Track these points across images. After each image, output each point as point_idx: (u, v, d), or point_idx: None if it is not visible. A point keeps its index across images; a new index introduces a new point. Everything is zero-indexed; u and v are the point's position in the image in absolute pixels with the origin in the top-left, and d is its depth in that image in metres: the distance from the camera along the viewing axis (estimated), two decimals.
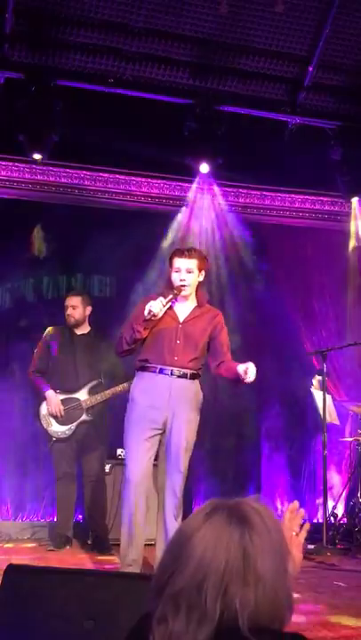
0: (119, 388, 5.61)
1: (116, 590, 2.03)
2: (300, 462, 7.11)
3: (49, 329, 5.89)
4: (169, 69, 6.09)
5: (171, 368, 4.32)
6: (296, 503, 1.80)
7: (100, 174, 6.68)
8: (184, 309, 4.45)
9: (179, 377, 4.32)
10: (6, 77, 5.83)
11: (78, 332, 5.85)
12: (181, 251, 4.44)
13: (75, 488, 5.76)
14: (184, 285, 4.35)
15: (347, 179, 6.65)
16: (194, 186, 6.77)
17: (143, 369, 4.40)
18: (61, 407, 5.61)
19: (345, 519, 6.33)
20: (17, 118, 5.85)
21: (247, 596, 1.27)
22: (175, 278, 4.38)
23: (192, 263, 4.36)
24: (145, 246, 6.65)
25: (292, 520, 1.79)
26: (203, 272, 4.44)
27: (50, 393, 5.64)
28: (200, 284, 4.50)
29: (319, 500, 6.79)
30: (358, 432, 6.36)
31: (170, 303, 4.33)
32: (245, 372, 4.15)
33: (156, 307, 4.20)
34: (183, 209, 6.91)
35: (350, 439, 6.66)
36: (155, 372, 4.34)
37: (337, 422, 6.60)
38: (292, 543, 1.75)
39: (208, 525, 1.32)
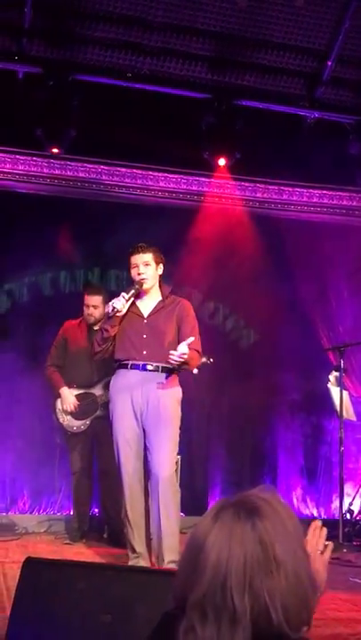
0: None
1: (133, 584, 2.04)
2: (317, 459, 7.08)
3: (65, 323, 5.91)
4: (187, 64, 6.07)
5: (141, 363, 4.43)
6: (318, 522, 1.77)
7: (118, 169, 6.68)
8: (148, 304, 4.59)
9: (151, 371, 4.42)
10: (25, 72, 5.84)
11: (95, 326, 5.85)
12: (136, 248, 4.55)
13: (90, 482, 5.78)
14: (143, 279, 4.49)
15: None
16: (211, 180, 6.75)
17: (118, 367, 4.55)
18: (75, 404, 5.63)
19: None
20: (35, 113, 5.86)
21: (273, 586, 1.26)
22: (134, 273, 4.54)
23: (147, 257, 4.52)
24: (161, 241, 6.63)
25: (315, 538, 1.76)
26: (160, 265, 4.60)
27: (64, 390, 5.66)
28: (161, 278, 4.64)
29: (335, 497, 6.77)
30: None
31: (132, 298, 4.47)
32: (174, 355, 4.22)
33: (119, 303, 4.38)
34: (200, 204, 6.90)
35: None
36: (127, 368, 4.47)
37: (354, 419, 6.56)
38: (317, 561, 1.73)
39: (218, 526, 1.31)
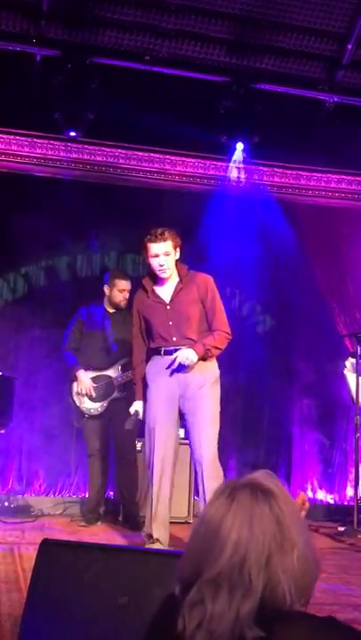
0: None
1: (150, 567, 2.05)
2: (332, 445, 7.08)
3: (81, 307, 5.93)
4: (205, 47, 6.03)
5: (172, 348, 4.39)
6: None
7: (135, 153, 6.66)
8: (168, 289, 4.51)
9: None
10: (43, 55, 5.82)
11: (111, 309, 5.87)
12: (154, 235, 4.42)
13: (106, 465, 5.81)
14: (164, 269, 4.42)
15: None
16: (230, 165, 6.71)
17: (152, 352, 4.53)
18: (92, 386, 5.66)
19: None
20: (53, 96, 5.85)
21: (287, 564, 1.31)
22: (154, 264, 4.43)
23: (167, 246, 4.40)
24: (179, 225, 6.61)
25: None
26: (178, 249, 4.49)
27: (81, 373, 5.69)
28: (177, 260, 4.54)
29: (350, 483, 6.77)
30: None
31: (160, 287, 4.49)
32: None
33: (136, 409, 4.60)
34: (218, 188, 6.87)
35: None
36: (160, 353, 4.44)
37: None
38: None
39: (236, 505, 1.34)
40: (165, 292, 4.50)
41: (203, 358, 4.37)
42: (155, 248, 4.40)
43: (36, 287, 6.68)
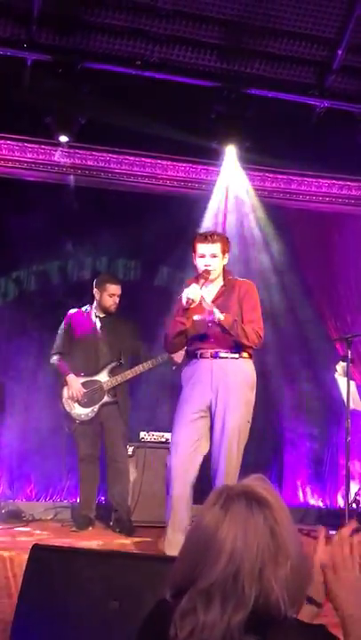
0: (139, 368, 5.69)
1: (141, 572, 2.05)
2: (323, 448, 7.09)
3: (71, 311, 5.93)
4: (196, 52, 6.03)
5: (210, 351, 4.35)
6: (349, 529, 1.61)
7: (126, 157, 6.65)
8: (212, 291, 4.47)
9: (221, 358, 4.34)
10: (34, 59, 5.81)
11: (101, 314, 5.88)
12: (204, 236, 4.43)
13: (98, 469, 5.80)
14: (209, 270, 4.36)
15: None
16: (220, 169, 6.72)
17: (188, 356, 4.50)
18: (82, 391, 5.66)
19: None
20: (44, 100, 5.84)
21: (281, 574, 1.31)
22: (200, 264, 4.41)
23: (216, 247, 4.38)
24: (170, 230, 6.65)
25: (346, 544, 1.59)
26: (226, 254, 4.47)
27: (71, 377, 5.69)
28: (225, 265, 4.51)
29: (341, 487, 6.78)
30: None
31: (204, 287, 4.35)
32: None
33: (193, 293, 4.23)
34: (209, 193, 6.87)
35: None
36: (196, 357, 4.40)
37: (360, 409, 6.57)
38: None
39: (230, 516, 1.34)
40: (208, 294, 4.45)
41: (238, 354, 4.34)
42: (202, 248, 4.39)
43: (27, 291, 6.68)
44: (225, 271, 4.54)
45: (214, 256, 4.39)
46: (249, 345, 4.37)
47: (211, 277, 4.40)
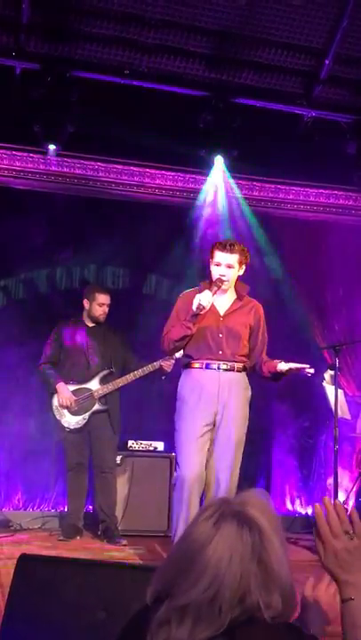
0: (130, 376, 5.68)
1: (129, 582, 2.04)
2: (311, 457, 7.09)
3: (60, 321, 5.93)
4: (185, 61, 6.06)
5: (217, 362, 4.33)
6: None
7: (114, 166, 6.66)
8: (224, 303, 4.46)
9: (226, 370, 4.33)
10: (22, 68, 5.82)
11: (90, 324, 5.88)
12: (223, 244, 4.39)
13: (86, 478, 5.79)
14: (223, 280, 4.35)
15: None
16: (208, 178, 6.74)
17: (189, 366, 4.42)
18: (72, 399, 5.65)
19: None
20: (32, 109, 5.84)
21: (271, 600, 1.29)
22: (215, 272, 4.38)
23: (233, 258, 4.36)
24: (159, 238, 6.66)
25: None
26: (243, 266, 4.45)
27: (61, 385, 5.67)
28: (239, 277, 4.50)
29: (329, 495, 6.78)
30: None
31: (216, 295, 4.33)
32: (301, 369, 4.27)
33: (205, 300, 4.22)
34: (197, 201, 6.89)
35: None
36: (201, 367, 4.35)
37: (348, 417, 6.59)
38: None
39: (220, 536, 1.31)
40: (221, 304, 4.45)
41: (241, 368, 4.40)
42: (220, 257, 4.36)
43: (15, 300, 6.66)
44: (240, 285, 4.53)
45: (230, 267, 4.36)
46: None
47: (224, 287, 4.39)
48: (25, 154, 6.41)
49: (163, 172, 6.75)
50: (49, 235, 6.44)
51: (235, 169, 6.61)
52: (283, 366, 4.28)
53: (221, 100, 6.09)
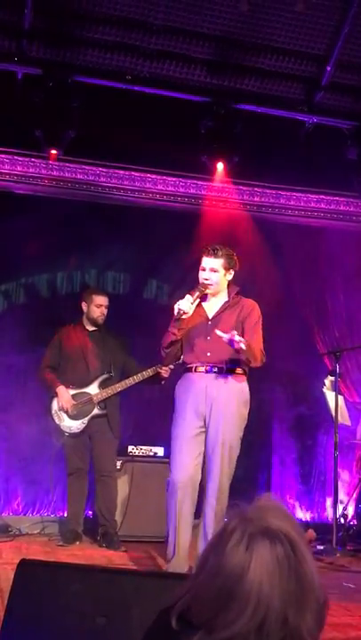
0: (130, 381, 5.68)
1: (129, 587, 2.03)
2: (311, 463, 7.09)
3: (61, 326, 5.94)
4: (187, 67, 6.07)
5: (205, 365, 4.33)
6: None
7: (116, 171, 6.68)
8: (214, 306, 4.49)
9: (214, 373, 4.33)
10: (24, 73, 5.83)
11: (90, 327, 5.88)
12: (209, 249, 4.42)
13: (86, 483, 5.78)
14: (207, 285, 4.38)
15: None
16: (209, 184, 6.75)
17: (184, 370, 4.47)
18: (72, 402, 5.64)
19: (355, 520, 6.32)
20: (34, 114, 5.86)
21: (306, 617, 1.23)
22: (200, 276, 4.42)
23: (217, 263, 4.39)
24: (159, 244, 6.67)
25: None
26: (231, 271, 4.46)
27: (61, 388, 5.68)
28: (231, 281, 4.50)
29: (329, 501, 6.77)
30: None
31: (198, 299, 4.34)
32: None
33: (185, 304, 4.25)
34: (198, 207, 6.90)
35: None
36: (192, 371, 4.38)
37: (348, 423, 6.58)
38: None
39: (255, 561, 1.23)
40: (210, 308, 4.48)
41: (233, 370, 4.32)
42: (204, 261, 4.41)
43: (15, 304, 6.66)
44: (231, 287, 4.54)
45: (214, 270, 4.39)
46: (256, 366, 4.40)
47: (210, 292, 4.42)
48: (26, 159, 6.42)
49: (164, 177, 6.77)
50: (49, 240, 6.44)
51: (236, 174, 6.62)
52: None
53: (223, 105, 6.11)
